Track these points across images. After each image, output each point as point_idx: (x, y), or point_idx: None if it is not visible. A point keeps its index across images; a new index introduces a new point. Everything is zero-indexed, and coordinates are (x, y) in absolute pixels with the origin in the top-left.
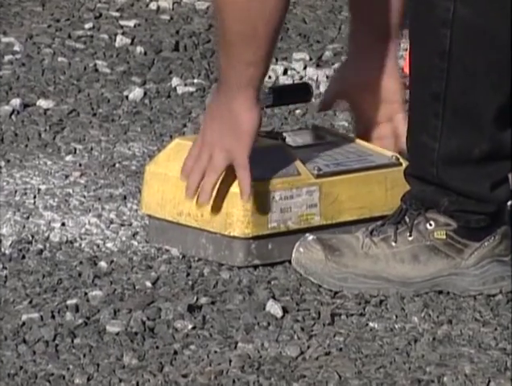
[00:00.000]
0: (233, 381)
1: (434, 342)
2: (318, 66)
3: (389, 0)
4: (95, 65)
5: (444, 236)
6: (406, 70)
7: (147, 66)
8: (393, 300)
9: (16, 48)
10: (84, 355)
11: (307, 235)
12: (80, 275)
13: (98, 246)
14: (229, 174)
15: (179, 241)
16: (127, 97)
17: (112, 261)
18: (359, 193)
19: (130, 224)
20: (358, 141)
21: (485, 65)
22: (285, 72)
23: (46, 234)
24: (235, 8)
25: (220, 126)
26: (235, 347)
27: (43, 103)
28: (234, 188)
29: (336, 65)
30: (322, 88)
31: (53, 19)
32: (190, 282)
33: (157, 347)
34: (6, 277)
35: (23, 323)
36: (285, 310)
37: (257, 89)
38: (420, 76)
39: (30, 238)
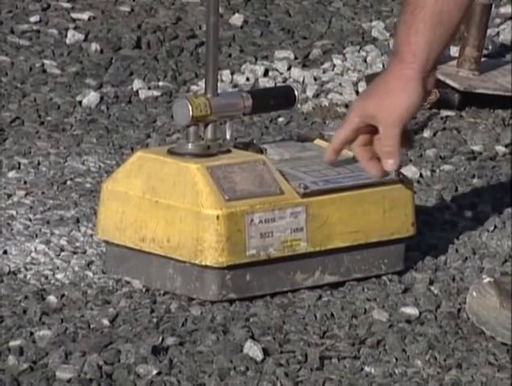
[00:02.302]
0: None
1: None
2: (304, 66)
3: None
4: (42, 65)
5: None
6: None
7: (104, 66)
8: (392, 340)
9: None
10: None
11: (484, 276)
12: (25, 312)
13: (46, 277)
14: (200, 193)
15: (142, 272)
16: (80, 103)
17: (63, 295)
18: (352, 215)
19: (84, 252)
20: (351, 153)
21: None
22: (266, 73)
23: None
24: None
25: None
26: None
27: None
28: (206, 208)
29: (326, 65)
30: (309, 92)
31: None
32: (155, 320)
33: None
34: None
35: None
36: (266, 353)
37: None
38: None
39: None
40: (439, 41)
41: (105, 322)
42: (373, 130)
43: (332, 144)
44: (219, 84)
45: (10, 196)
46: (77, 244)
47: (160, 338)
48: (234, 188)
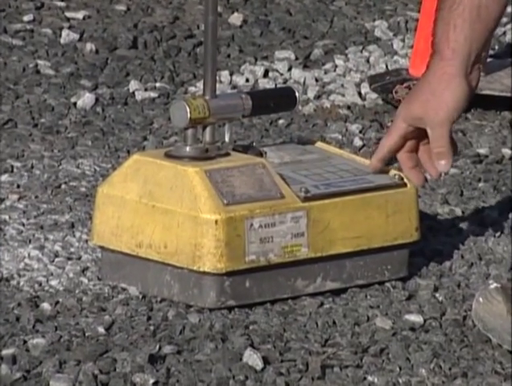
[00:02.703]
0: None
1: None
2: (305, 66)
3: None
4: (36, 66)
5: None
6: (411, 71)
7: (99, 67)
8: (396, 348)
9: None
10: None
11: (491, 282)
12: (18, 319)
13: (40, 284)
14: (198, 197)
15: (139, 278)
16: (75, 104)
17: (57, 303)
18: (355, 219)
19: (79, 258)
20: (354, 156)
21: None
22: (266, 74)
23: None
24: None
25: None
26: None
27: None
28: (204, 213)
29: (327, 65)
30: (310, 93)
31: None
32: (151, 328)
33: None
34: None
35: None
36: (266, 361)
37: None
38: None
39: None
40: (478, 36)
41: (101, 329)
42: (419, 136)
43: (378, 152)
44: (217, 85)
45: (2, 200)
46: (72, 249)
47: (157, 347)
48: (233, 192)
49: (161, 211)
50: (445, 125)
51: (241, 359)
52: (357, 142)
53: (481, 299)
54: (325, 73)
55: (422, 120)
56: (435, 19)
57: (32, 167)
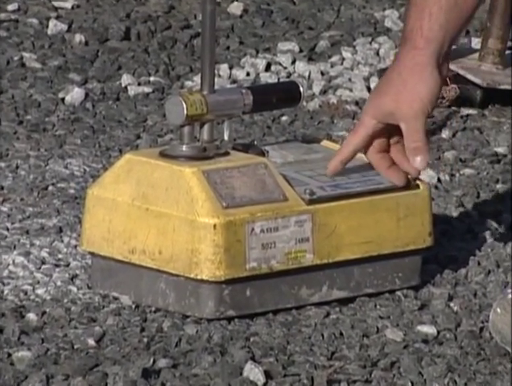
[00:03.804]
0: None
1: None
2: (310, 59)
3: None
4: (21, 58)
5: None
6: None
7: (89, 60)
8: (407, 361)
9: None
10: None
11: (509, 291)
12: (1, 331)
13: (26, 293)
14: (195, 200)
15: (131, 286)
16: (63, 100)
17: (44, 313)
18: (363, 224)
19: (68, 265)
20: (362, 156)
21: None
22: (268, 68)
23: None
24: None
25: None
26: None
27: None
28: (202, 217)
29: (334, 58)
30: (315, 88)
31: None
32: (145, 340)
33: None
34: None
35: None
36: (268, 375)
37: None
38: None
39: None
40: (453, 26)
41: (91, 342)
42: (388, 134)
43: (340, 152)
44: (216, 80)
45: None
46: (60, 256)
47: (151, 360)
48: (233, 194)
49: (155, 214)
50: (420, 118)
51: (241, 374)
52: None
53: (498, 309)
54: (332, 66)
55: (393, 115)
56: (408, 5)
57: (17, 168)
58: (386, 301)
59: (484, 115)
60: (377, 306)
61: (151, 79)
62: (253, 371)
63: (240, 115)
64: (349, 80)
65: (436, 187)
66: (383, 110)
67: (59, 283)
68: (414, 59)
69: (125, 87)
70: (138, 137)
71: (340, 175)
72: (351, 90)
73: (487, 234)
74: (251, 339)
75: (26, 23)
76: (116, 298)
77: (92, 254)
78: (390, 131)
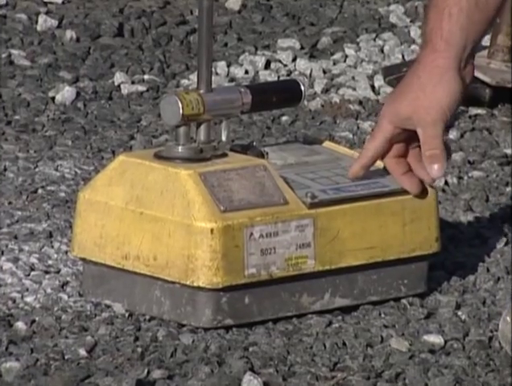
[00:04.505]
0: None
1: None
2: (312, 57)
3: None
4: (9, 56)
5: None
6: None
7: (80, 57)
8: (413, 372)
9: None
10: None
11: None
12: None
13: (14, 301)
14: (192, 203)
15: (125, 294)
16: (53, 99)
17: (33, 322)
18: (367, 228)
19: (58, 271)
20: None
21: None
22: (267, 65)
23: None
24: None
25: None
26: None
27: None
28: (199, 221)
29: (336, 56)
30: (317, 87)
31: None
32: (139, 349)
33: None
34: None
35: None
36: None
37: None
38: None
39: None
40: (475, 28)
41: (82, 352)
42: (407, 139)
43: (360, 158)
44: (213, 78)
45: None
46: (50, 262)
47: (145, 371)
48: (231, 198)
49: (150, 218)
50: (438, 124)
51: (239, 385)
52: None
53: (508, 318)
54: (334, 64)
55: (411, 120)
56: (427, 5)
57: (5, 170)
58: (391, 310)
59: (493, 115)
60: (382, 315)
61: (146, 77)
62: (252, 383)
63: (238, 115)
64: (353, 78)
65: (444, 191)
66: (400, 115)
67: (49, 290)
68: (434, 62)
69: (119, 85)
70: (132, 137)
71: (343, 178)
72: (354, 89)
73: (496, 239)
74: (250, 349)
75: (15, 19)
76: (108, 306)
77: (83, 260)
78: (410, 135)
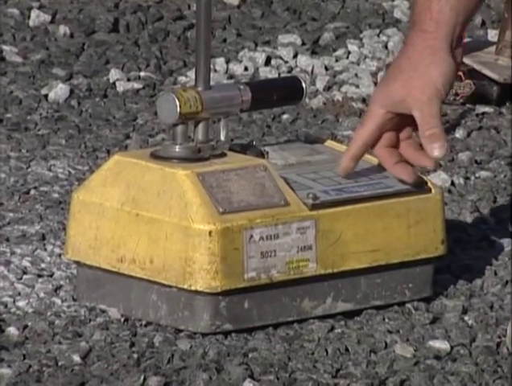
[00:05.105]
0: None
1: None
2: (313, 53)
3: None
4: (1, 52)
5: None
6: None
7: (74, 53)
8: (418, 379)
9: None
10: None
11: None
12: None
13: (6, 305)
14: (189, 205)
15: (120, 298)
16: (46, 97)
17: (25, 327)
18: (371, 230)
19: (51, 275)
20: (369, 157)
21: None
22: (267, 62)
23: None
24: None
25: None
26: None
27: None
28: (197, 223)
29: (339, 52)
30: (319, 84)
31: None
32: (135, 355)
33: None
34: None
35: None
36: None
37: None
38: None
39: None
40: (465, 7)
41: (76, 358)
42: (398, 126)
43: (350, 147)
44: (212, 75)
45: None
46: (43, 265)
47: (141, 378)
48: (230, 199)
49: (146, 220)
50: (434, 103)
51: None
52: None
53: None
54: (336, 61)
55: (405, 102)
56: None
57: None
58: (396, 315)
59: (501, 113)
60: (386, 320)
61: (142, 74)
62: None
63: (237, 113)
64: (356, 75)
65: (450, 191)
66: (393, 98)
67: (41, 295)
68: (424, 43)
69: (114, 83)
70: (128, 136)
71: (345, 178)
72: (357, 86)
73: (504, 242)
74: (249, 355)
75: (7, 14)
76: (103, 311)
77: (77, 263)
78: (400, 124)
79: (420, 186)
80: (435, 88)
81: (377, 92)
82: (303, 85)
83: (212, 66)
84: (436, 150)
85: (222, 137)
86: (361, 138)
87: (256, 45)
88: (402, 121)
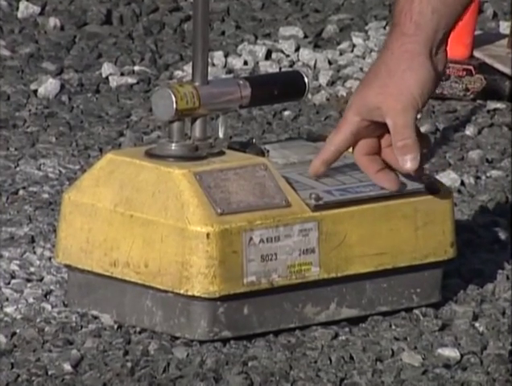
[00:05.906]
0: None
1: None
2: (316, 46)
3: None
4: None
5: None
6: None
7: (65, 46)
8: None
9: None
10: None
11: None
12: None
13: None
14: (186, 206)
15: (113, 304)
16: (36, 92)
17: (13, 334)
18: (376, 233)
19: (41, 279)
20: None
21: None
22: (268, 56)
23: None
24: None
25: None
26: None
27: None
28: (194, 225)
29: (343, 45)
30: (322, 79)
31: None
32: (129, 364)
33: None
34: None
35: None
36: None
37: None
38: None
39: None
40: (449, 11)
41: (67, 367)
42: (377, 133)
43: (323, 151)
44: (210, 69)
45: None
46: (32, 269)
47: None
48: (229, 199)
49: (141, 222)
50: (408, 113)
51: None
52: None
53: None
54: (340, 54)
55: (379, 110)
56: None
57: None
58: (403, 321)
59: None
60: (393, 327)
61: (136, 68)
62: None
63: (236, 109)
64: (360, 69)
65: (459, 191)
66: (368, 105)
67: (31, 300)
68: (402, 47)
69: (106, 77)
70: (121, 134)
71: (350, 178)
72: None
73: None
74: (249, 364)
75: None
76: (96, 317)
77: (68, 267)
78: (380, 130)
79: (428, 186)
80: (411, 96)
81: (353, 97)
82: (306, 80)
83: (209, 60)
84: (408, 163)
85: (221, 135)
86: (335, 144)
87: (256, 38)
88: (381, 128)
